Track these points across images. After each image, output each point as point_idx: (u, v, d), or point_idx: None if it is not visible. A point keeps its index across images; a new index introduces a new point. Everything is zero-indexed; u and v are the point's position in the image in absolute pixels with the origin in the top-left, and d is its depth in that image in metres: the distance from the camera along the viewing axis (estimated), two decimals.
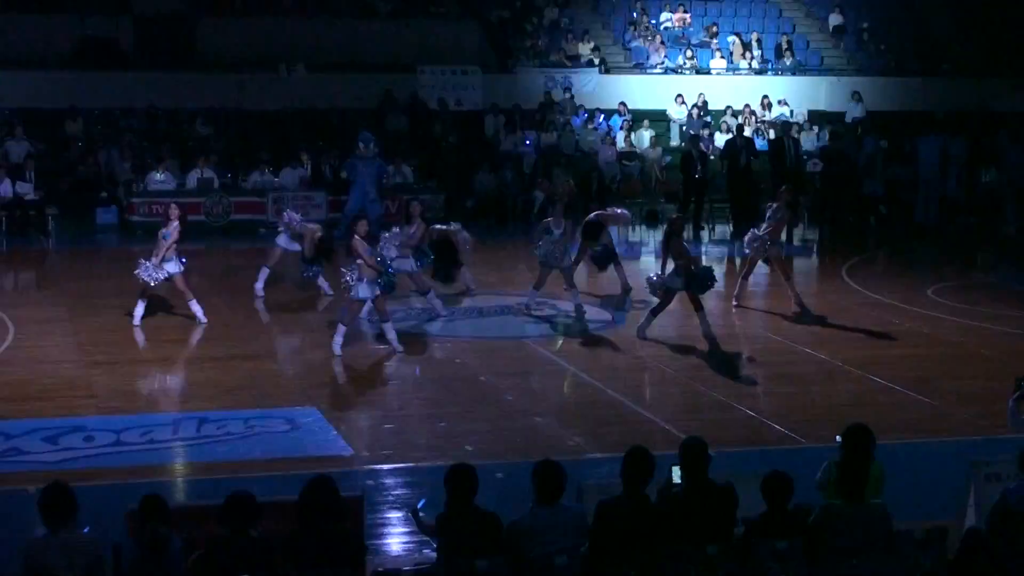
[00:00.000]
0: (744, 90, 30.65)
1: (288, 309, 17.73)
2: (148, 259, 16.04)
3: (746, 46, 32.58)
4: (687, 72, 31.43)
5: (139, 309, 16.30)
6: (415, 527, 8.06)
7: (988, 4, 32.28)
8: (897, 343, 16.28)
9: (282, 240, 18.06)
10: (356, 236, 14.95)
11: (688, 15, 33.04)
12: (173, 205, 16.99)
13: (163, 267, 16.03)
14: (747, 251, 18.05)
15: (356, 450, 11.91)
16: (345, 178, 24.33)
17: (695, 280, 15.78)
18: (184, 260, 16.31)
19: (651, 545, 7.49)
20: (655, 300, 16.28)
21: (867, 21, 33.32)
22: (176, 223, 16.15)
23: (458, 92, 29.67)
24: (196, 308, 16.34)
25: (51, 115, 27.14)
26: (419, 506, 8.01)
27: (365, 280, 14.89)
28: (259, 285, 18.13)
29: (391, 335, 15.26)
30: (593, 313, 17.55)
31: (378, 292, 15.00)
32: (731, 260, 22.76)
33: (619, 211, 19.39)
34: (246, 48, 29.34)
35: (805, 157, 27.63)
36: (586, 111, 29.68)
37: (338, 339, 15.07)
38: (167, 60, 29.34)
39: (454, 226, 17.73)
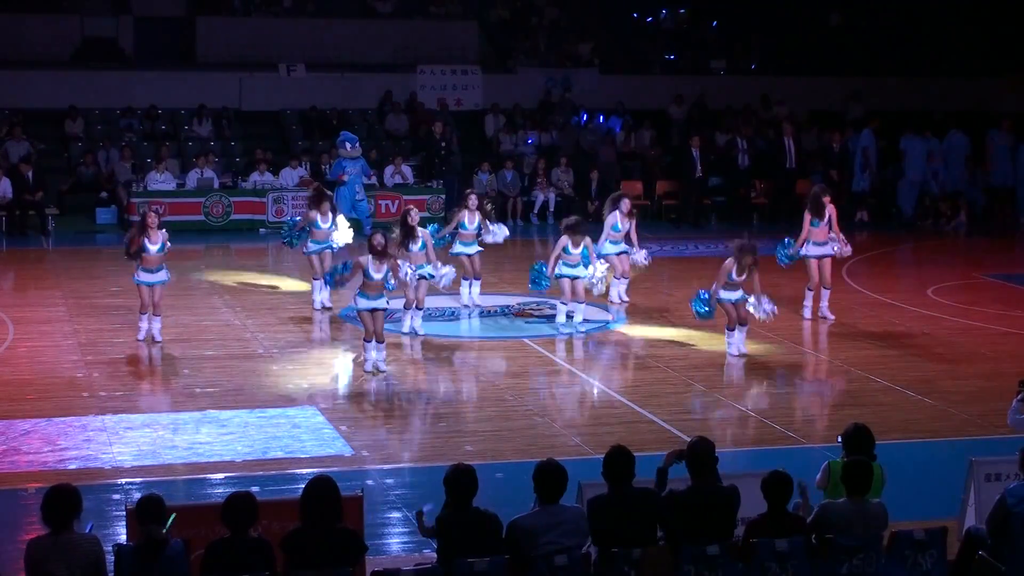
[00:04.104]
0: (744, 90, 30.62)
1: (288, 309, 17.70)
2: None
3: (746, 45, 32.60)
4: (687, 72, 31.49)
5: (143, 323, 15.69)
6: (418, 528, 8.06)
7: (989, 4, 32.25)
8: (897, 343, 16.28)
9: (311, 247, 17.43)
10: (370, 254, 14.20)
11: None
12: (150, 213, 15.76)
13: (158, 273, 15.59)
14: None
15: (356, 450, 11.92)
16: (336, 179, 24.39)
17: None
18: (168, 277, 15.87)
19: (644, 536, 7.52)
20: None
21: (866, 21, 33.31)
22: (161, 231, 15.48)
23: (458, 92, 29.68)
24: (158, 324, 15.69)
25: (51, 115, 27.15)
26: (425, 509, 8.01)
27: (363, 294, 14.28)
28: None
29: (381, 355, 14.40)
30: (593, 313, 17.52)
31: (376, 306, 14.28)
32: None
33: None
34: (246, 48, 29.32)
35: (806, 157, 27.64)
36: (586, 111, 29.69)
37: (368, 355, 14.41)
38: (167, 60, 29.35)
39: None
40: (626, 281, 18.33)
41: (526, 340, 16.28)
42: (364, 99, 29.10)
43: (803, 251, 17.14)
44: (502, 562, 7.28)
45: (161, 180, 24.46)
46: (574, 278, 16.50)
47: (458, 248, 17.67)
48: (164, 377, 14.54)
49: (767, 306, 15.22)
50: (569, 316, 16.95)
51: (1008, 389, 11.75)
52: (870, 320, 17.51)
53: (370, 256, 14.19)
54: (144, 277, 15.54)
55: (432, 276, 16.05)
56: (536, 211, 26.59)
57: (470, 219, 17.59)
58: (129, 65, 28.99)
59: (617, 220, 17.94)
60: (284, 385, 14.12)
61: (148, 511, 7.28)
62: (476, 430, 12.58)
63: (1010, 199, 27.66)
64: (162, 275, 15.60)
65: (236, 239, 24.09)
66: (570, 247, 16.42)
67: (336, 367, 15.04)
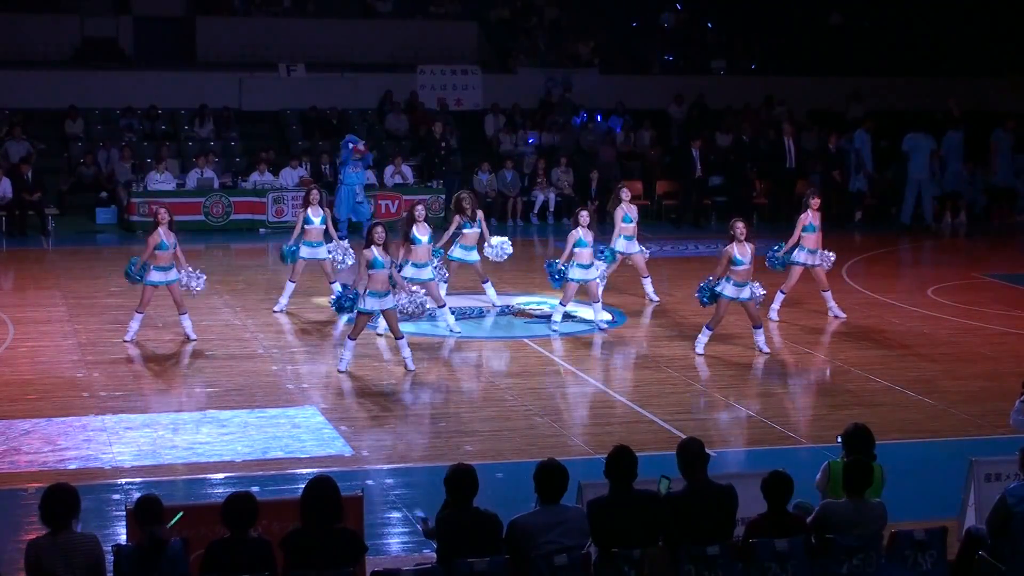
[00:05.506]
0: (744, 90, 30.62)
1: (288, 310, 17.68)
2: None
3: (746, 45, 32.60)
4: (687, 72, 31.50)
5: (135, 324, 15.61)
6: (422, 531, 8.07)
7: (989, 4, 32.26)
8: (897, 343, 16.29)
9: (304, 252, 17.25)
10: (373, 245, 14.18)
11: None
12: (162, 210, 15.83)
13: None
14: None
15: (356, 450, 11.92)
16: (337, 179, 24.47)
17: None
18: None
19: (644, 540, 7.52)
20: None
21: (867, 21, 33.33)
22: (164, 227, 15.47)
23: (458, 92, 29.69)
24: (188, 322, 15.79)
25: (51, 115, 27.17)
26: (420, 515, 8.01)
27: (373, 292, 14.18)
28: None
29: (405, 352, 14.58)
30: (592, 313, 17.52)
31: (388, 305, 14.30)
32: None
33: None
34: (246, 48, 29.35)
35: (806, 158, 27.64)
36: (586, 111, 29.70)
37: (345, 355, 14.49)
38: (167, 60, 29.36)
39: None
40: (648, 279, 18.32)
41: (526, 340, 16.29)
42: (364, 99, 29.11)
43: (793, 257, 16.99)
44: (502, 562, 7.28)
45: (161, 180, 24.47)
46: (587, 281, 16.41)
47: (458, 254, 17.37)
48: (164, 377, 14.53)
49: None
50: (570, 316, 16.97)
51: (1008, 389, 11.80)
52: (870, 320, 17.51)
53: (374, 247, 14.19)
54: (157, 277, 15.47)
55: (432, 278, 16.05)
56: (536, 211, 26.60)
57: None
58: (129, 65, 29.01)
59: (626, 211, 17.93)
60: (284, 385, 14.12)
61: (146, 511, 7.28)
62: (476, 430, 12.58)
63: (1009, 199, 27.70)
64: (174, 273, 15.54)
65: (236, 239, 24.09)
66: (583, 238, 16.29)
67: (336, 368, 15.01)
